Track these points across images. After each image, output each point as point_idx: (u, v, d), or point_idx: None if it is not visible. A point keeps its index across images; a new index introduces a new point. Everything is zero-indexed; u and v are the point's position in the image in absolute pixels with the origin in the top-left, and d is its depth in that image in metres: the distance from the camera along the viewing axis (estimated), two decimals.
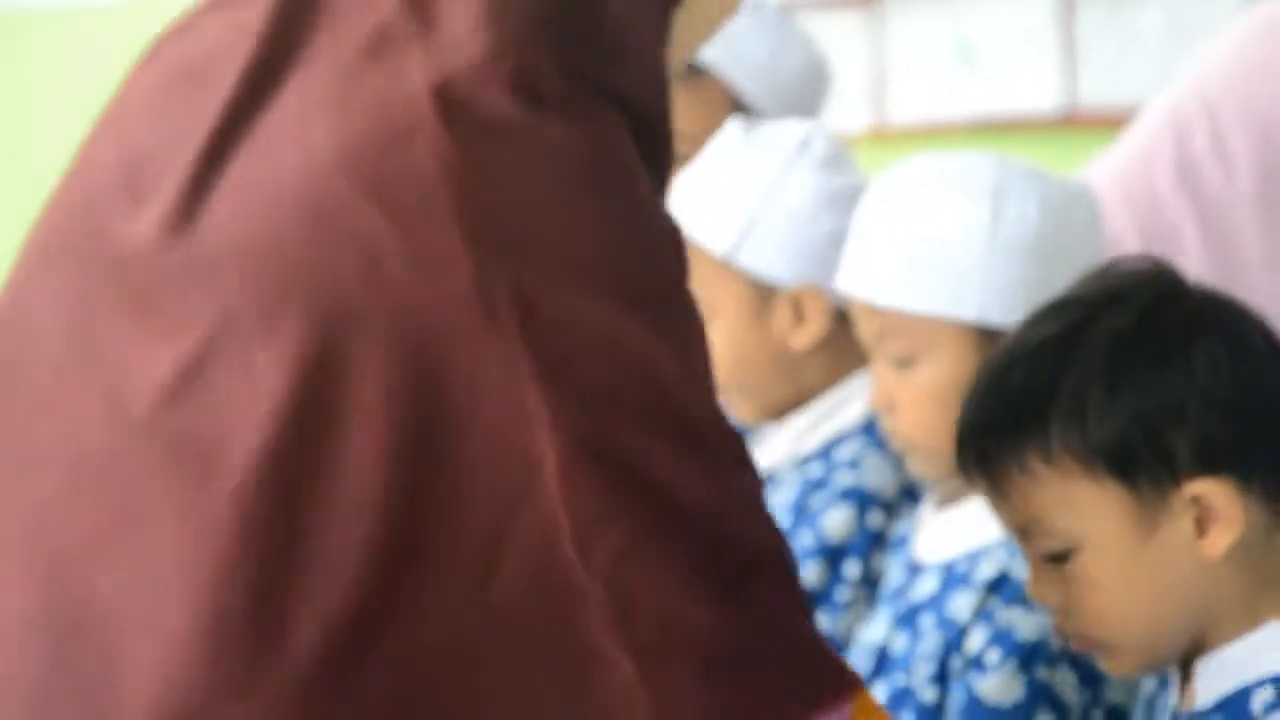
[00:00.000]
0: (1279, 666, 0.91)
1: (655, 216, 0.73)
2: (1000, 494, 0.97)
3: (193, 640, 0.63)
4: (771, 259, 1.27)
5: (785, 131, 1.34)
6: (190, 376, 0.66)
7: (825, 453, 1.31)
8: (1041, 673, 1.09)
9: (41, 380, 0.73)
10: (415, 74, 0.69)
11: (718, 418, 0.73)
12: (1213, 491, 0.91)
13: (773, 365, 1.31)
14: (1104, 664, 1.01)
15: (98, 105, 0.93)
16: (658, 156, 0.75)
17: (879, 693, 1.13)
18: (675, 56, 0.86)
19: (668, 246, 0.73)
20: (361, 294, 0.66)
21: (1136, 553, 0.94)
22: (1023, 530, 0.97)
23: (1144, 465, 0.93)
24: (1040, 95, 2.39)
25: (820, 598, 1.24)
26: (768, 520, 0.74)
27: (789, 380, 1.32)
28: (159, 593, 0.65)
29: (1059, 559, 0.94)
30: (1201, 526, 0.91)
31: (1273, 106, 1.53)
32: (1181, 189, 1.44)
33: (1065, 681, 1.10)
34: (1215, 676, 0.93)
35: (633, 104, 0.74)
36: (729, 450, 0.72)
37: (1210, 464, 0.92)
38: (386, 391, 0.64)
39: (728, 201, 1.28)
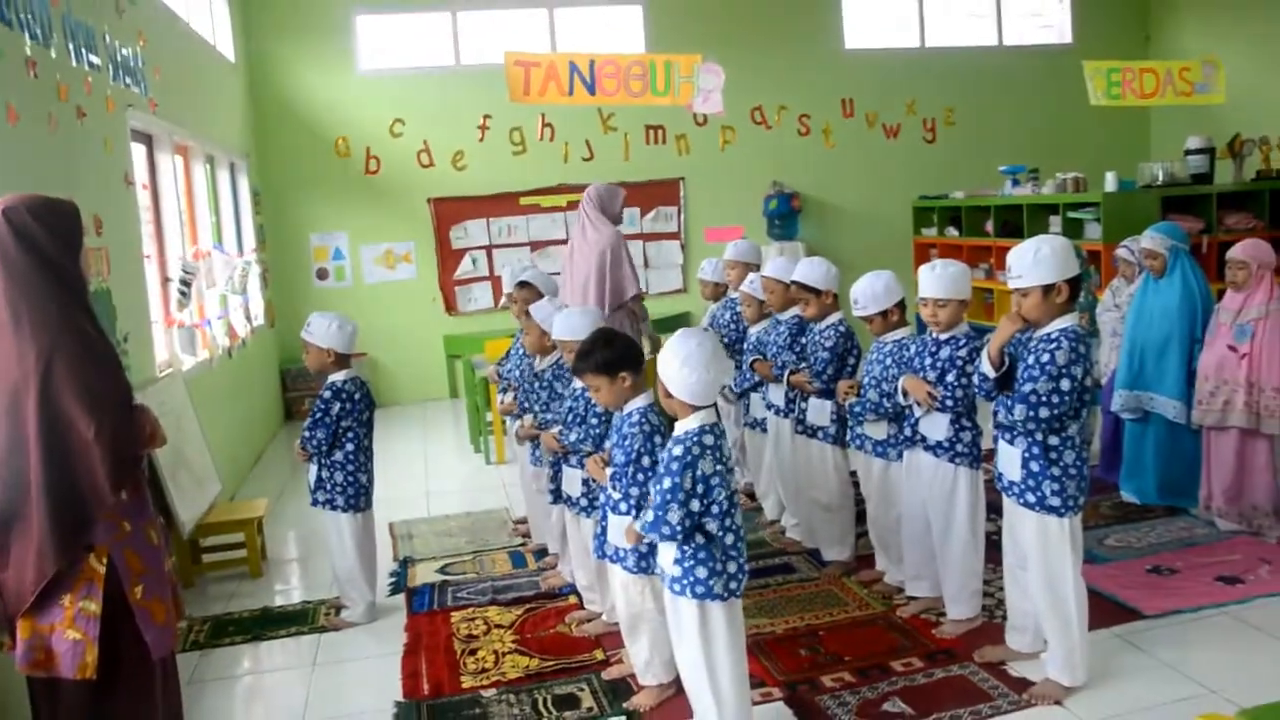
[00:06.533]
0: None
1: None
2: (587, 383, 3.82)
3: None
4: None
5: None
6: None
7: None
8: None
9: None
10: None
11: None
12: (627, 376, 3.74)
13: None
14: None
15: None
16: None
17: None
18: None
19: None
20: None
21: (616, 392, 3.72)
22: (588, 386, 3.83)
23: (609, 370, 3.71)
24: None
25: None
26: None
27: None
28: None
29: (599, 391, 3.79)
30: (623, 382, 3.71)
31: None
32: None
33: None
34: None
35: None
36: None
37: (618, 369, 3.70)
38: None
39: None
